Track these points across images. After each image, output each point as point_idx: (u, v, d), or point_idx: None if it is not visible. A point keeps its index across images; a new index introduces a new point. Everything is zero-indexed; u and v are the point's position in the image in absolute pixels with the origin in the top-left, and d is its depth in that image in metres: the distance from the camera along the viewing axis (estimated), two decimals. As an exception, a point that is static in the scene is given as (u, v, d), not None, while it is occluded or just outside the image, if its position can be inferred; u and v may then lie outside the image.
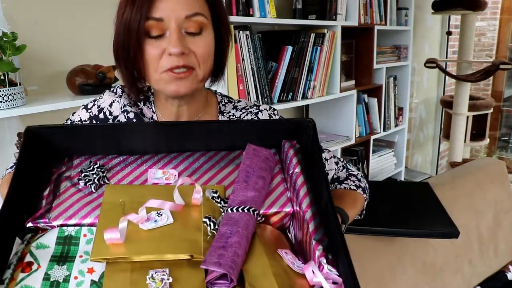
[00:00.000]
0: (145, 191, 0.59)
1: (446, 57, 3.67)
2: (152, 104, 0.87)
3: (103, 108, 0.86)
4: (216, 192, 0.58)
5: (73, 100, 1.33)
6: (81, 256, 0.52)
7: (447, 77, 3.55)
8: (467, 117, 3.11)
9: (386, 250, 1.37)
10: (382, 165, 2.77)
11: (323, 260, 0.51)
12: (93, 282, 0.49)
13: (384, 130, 2.68)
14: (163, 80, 0.74)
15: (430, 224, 1.27)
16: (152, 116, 0.86)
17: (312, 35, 2.03)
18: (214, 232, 0.53)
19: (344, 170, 0.99)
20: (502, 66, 2.79)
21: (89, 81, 1.39)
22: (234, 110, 0.91)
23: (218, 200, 0.58)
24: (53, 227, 0.56)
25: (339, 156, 2.36)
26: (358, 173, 0.98)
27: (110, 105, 0.86)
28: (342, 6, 2.15)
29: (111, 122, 0.85)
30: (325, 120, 2.47)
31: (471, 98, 3.13)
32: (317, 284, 0.50)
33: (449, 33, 3.42)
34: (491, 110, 3.18)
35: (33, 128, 0.58)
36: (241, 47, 1.75)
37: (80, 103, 1.30)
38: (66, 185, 0.60)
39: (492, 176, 1.88)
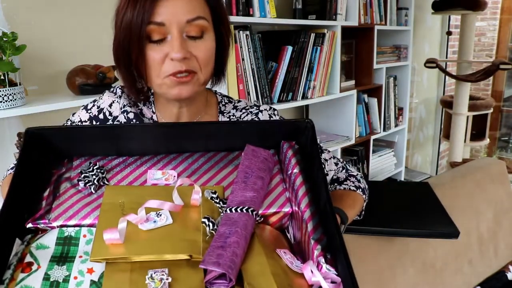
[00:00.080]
0: (145, 192, 0.59)
1: (446, 57, 3.68)
2: (152, 104, 0.87)
3: (102, 109, 0.86)
4: (215, 193, 0.59)
5: (73, 100, 1.33)
6: (80, 257, 0.52)
7: (447, 77, 3.55)
8: (467, 117, 3.11)
9: (386, 250, 1.37)
10: (382, 165, 2.77)
11: (322, 260, 0.51)
12: (92, 282, 0.49)
13: (384, 130, 2.68)
14: (166, 84, 0.74)
15: (430, 224, 1.27)
16: (152, 116, 0.87)
17: (312, 35, 2.03)
18: (213, 232, 0.53)
19: (344, 170, 0.99)
20: (502, 66, 2.79)
21: (89, 81, 1.39)
22: (234, 110, 0.91)
23: (217, 201, 0.58)
24: (53, 227, 0.56)
25: (339, 156, 2.36)
26: (357, 174, 0.99)
27: (110, 105, 0.86)
28: (342, 6, 2.15)
29: (111, 122, 0.85)
30: (325, 120, 2.47)
31: (471, 98, 3.13)
32: (315, 284, 0.50)
33: (449, 33, 3.42)
34: (491, 110, 3.18)
35: (33, 130, 0.58)
36: (241, 47, 1.75)
37: (80, 103, 1.31)
38: (66, 186, 0.60)
39: (492, 176, 1.88)
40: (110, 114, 0.85)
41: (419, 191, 1.53)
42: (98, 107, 0.86)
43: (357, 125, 2.44)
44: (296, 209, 0.59)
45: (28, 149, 0.58)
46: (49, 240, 0.54)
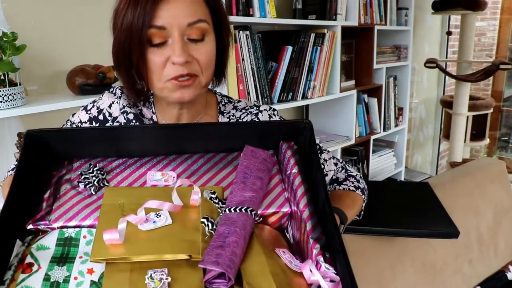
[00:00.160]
0: (144, 193, 0.59)
1: (446, 57, 3.68)
2: (152, 105, 0.88)
3: (102, 109, 0.86)
4: (214, 193, 0.59)
5: (73, 100, 1.33)
6: (81, 257, 0.52)
7: (447, 77, 3.55)
8: (467, 117, 3.11)
9: (386, 250, 1.37)
10: (382, 165, 2.78)
11: (321, 259, 0.51)
12: (92, 282, 0.49)
13: (384, 130, 2.68)
14: (168, 88, 0.74)
15: (430, 224, 1.27)
16: (152, 116, 0.87)
17: (312, 35, 2.03)
18: (212, 232, 0.53)
19: (343, 171, 0.99)
20: (502, 66, 2.79)
21: (89, 81, 1.39)
22: (234, 110, 0.91)
23: (216, 201, 0.58)
24: (53, 229, 0.56)
25: (339, 156, 2.36)
26: (357, 174, 0.99)
27: (110, 106, 0.86)
28: (342, 6, 2.16)
29: (111, 123, 0.85)
30: (325, 120, 2.47)
31: (471, 98, 3.13)
32: (314, 283, 0.51)
33: (449, 33, 3.42)
34: (491, 110, 3.18)
35: (33, 132, 0.58)
36: (241, 47, 1.75)
37: (80, 103, 1.31)
38: (66, 188, 0.61)
39: (492, 176, 1.88)
40: (110, 115, 0.86)
41: (419, 191, 1.53)
42: (98, 108, 0.86)
43: (357, 125, 2.45)
44: (295, 209, 0.59)
45: (29, 151, 0.58)
46: (50, 241, 0.54)
